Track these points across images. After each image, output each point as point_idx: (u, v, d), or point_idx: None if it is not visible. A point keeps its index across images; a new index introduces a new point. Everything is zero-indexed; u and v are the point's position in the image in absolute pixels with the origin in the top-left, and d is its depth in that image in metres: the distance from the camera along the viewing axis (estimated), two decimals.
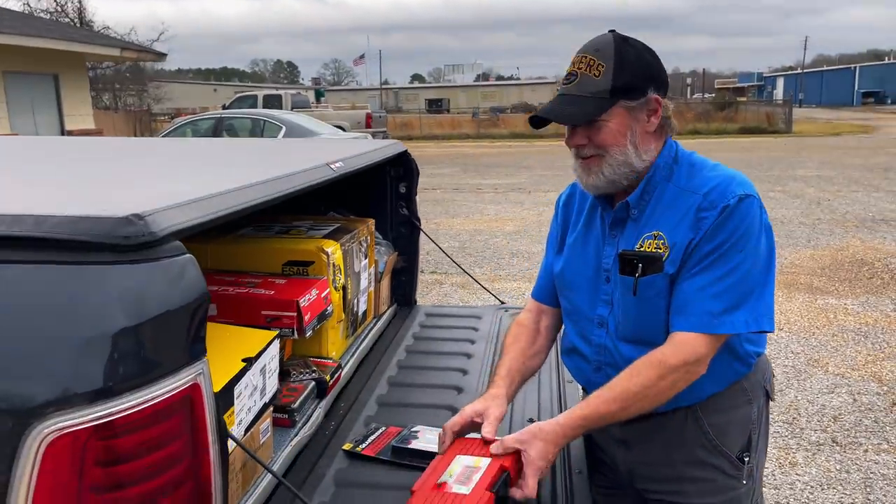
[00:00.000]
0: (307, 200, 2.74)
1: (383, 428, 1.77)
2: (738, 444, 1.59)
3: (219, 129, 13.14)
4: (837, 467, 3.37)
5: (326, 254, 2.05)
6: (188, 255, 1.02)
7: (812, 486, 3.22)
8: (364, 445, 1.69)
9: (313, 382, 1.92)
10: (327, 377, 1.96)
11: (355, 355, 2.25)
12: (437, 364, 2.21)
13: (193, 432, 1.04)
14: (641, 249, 1.50)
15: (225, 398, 1.31)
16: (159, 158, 2.15)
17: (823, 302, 5.94)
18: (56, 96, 16.46)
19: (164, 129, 16.87)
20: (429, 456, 1.59)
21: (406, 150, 2.74)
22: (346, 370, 2.13)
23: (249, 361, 1.41)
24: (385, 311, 2.72)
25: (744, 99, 46.34)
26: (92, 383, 0.92)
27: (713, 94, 50.31)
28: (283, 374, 1.94)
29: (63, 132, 16.38)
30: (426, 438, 1.67)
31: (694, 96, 64.27)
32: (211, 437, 1.06)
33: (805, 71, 76.72)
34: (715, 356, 1.48)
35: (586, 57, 1.48)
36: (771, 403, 1.71)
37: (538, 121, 1.55)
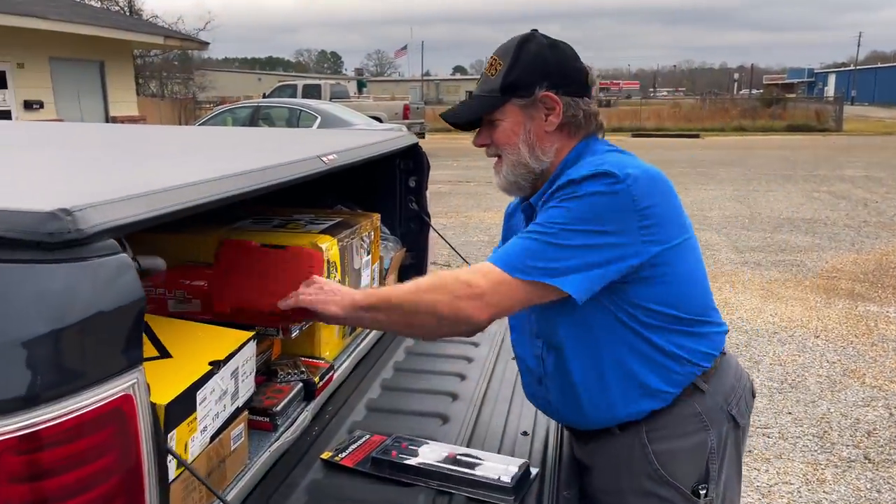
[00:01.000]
0: (314, 192, 2.67)
1: (367, 436, 1.68)
2: (690, 475, 1.46)
3: (256, 117, 13.21)
4: (868, 486, 3.19)
5: (321, 249, 1.96)
6: (123, 255, 0.95)
7: None
8: (344, 455, 1.60)
9: (301, 384, 1.84)
10: (316, 379, 1.88)
11: (352, 356, 2.17)
12: (434, 368, 2.12)
13: (126, 447, 0.96)
14: None
15: (185, 404, 1.23)
16: (138, 148, 2.08)
17: (864, 309, 5.68)
18: (101, 83, 16.76)
19: (204, 115, 17.06)
20: (408, 470, 1.50)
21: (417, 143, 2.64)
22: (340, 371, 2.05)
23: (217, 364, 1.33)
24: None
25: (792, 95, 45.05)
26: (8, 392, 0.85)
27: (761, 91, 49.03)
28: (270, 374, 1.87)
29: (107, 118, 16.68)
30: (409, 450, 1.57)
31: (741, 92, 62.76)
32: (146, 452, 0.98)
33: (858, 68, 74.31)
34: (630, 362, 1.42)
35: (492, 58, 1.49)
36: (793, 416, 1.58)
37: (455, 123, 1.55)
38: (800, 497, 3.11)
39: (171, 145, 2.16)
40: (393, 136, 2.53)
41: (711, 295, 1.53)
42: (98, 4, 30.47)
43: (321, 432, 1.72)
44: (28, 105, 14.24)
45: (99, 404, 0.92)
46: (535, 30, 1.49)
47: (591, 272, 1.32)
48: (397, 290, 1.43)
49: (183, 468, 1.23)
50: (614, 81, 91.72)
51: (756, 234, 8.52)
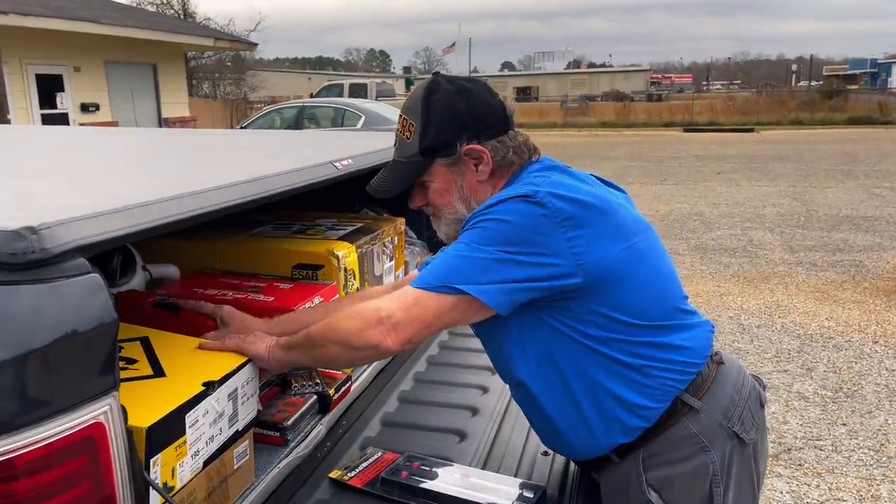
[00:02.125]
0: (343, 196, 2.62)
1: (379, 454, 1.62)
2: (691, 500, 1.35)
3: (301, 117, 13.33)
4: None
5: (337, 257, 1.91)
6: (93, 275, 0.89)
7: None
8: (353, 474, 1.54)
9: (315, 396, 1.79)
10: (332, 391, 1.82)
11: (372, 366, 2.11)
12: (456, 379, 2.04)
13: (98, 476, 0.91)
14: None
15: (172, 427, 1.18)
16: (138, 156, 2.05)
17: None
18: (154, 85, 17.17)
19: (252, 115, 17.31)
20: (417, 492, 1.43)
21: None
22: (358, 383, 1.99)
23: (211, 385, 1.28)
24: None
25: (854, 87, 43.39)
26: None
27: (820, 83, 47.37)
28: (284, 386, 1.82)
29: (160, 120, 17.08)
30: (420, 471, 1.50)
31: (799, 84, 60.78)
32: (120, 481, 0.93)
33: None
34: (600, 385, 1.33)
35: (401, 117, 1.42)
36: (847, 428, 1.45)
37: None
38: None
39: (177, 152, 2.13)
40: None
41: (682, 296, 1.43)
42: (153, 9, 31.31)
43: (332, 448, 1.67)
44: (84, 108, 14.67)
45: (69, 432, 0.87)
46: (437, 73, 1.44)
47: (511, 285, 1.25)
48: (314, 325, 1.36)
49: (172, 493, 1.18)
50: (666, 75, 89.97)
51: (812, 232, 8.18)
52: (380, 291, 1.66)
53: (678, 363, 1.35)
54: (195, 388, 1.25)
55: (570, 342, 1.32)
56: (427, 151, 1.38)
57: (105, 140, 2.50)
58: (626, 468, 1.38)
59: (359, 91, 19.99)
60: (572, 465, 1.60)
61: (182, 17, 33.53)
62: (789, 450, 3.44)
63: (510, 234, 1.25)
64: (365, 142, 2.39)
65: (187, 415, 1.22)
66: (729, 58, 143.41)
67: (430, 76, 1.43)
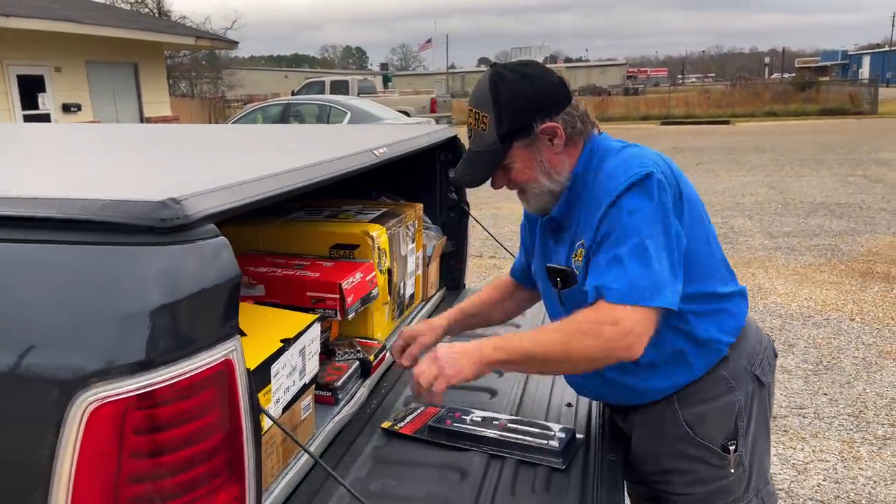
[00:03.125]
0: (359, 185, 2.80)
1: (422, 408, 1.81)
2: (720, 433, 1.58)
3: (286, 114, 13.43)
4: None
5: (372, 238, 2.09)
6: (222, 237, 1.08)
7: (875, 482, 3.10)
8: (402, 424, 1.74)
9: (357, 362, 1.98)
10: (371, 357, 2.01)
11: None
12: None
13: (227, 405, 1.10)
14: (574, 258, 1.53)
15: (261, 376, 1.37)
16: (206, 144, 2.23)
17: None
18: (136, 84, 17.12)
19: (235, 114, 17.34)
20: (463, 436, 1.63)
21: (456, 136, 2.76)
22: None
23: (287, 342, 1.47)
24: (433, 295, 2.76)
25: (826, 78, 44.20)
26: (131, 356, 0.99)
27: (793, 75, 48.16)
28: (329, 354, 2.01)
29: (142, 119, 17.05)
30: (462, 419, 1.70)
31: (772, 76, 61.70)
32: (244, 410, 1.11)
33: (893, 49, 72.51)
34: (675, 344, 1.52)
35: (472, 111, 1.53)
36: (828, 397, 1.70)
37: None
38: (835, 473, 3.17)
39: (231, 142, 2.30)
40: (433, 130, 2.65)
41: (725, 259, 1.66)
42: (128, 7, 31.05)
43: (379, 405, 1.86)
44: (66, 108, 14.62)
45: (205, 367, 1.05)
46: (494, 63, 1.55)
47: (678, 273, 1.42)
48: (534, 341, 1.45)
49: (265, 431, 1.37)
50: (641, 69, 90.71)
51: (789, 219, 8.49)
52: (497, 291, 1.91)
53: (733, 329, 1.58)
54: (275, 345, 1.44)
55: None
56: (505, 138, 1.48)
57: (168, 133, 2.67)
58: (660, 409, 1.59)
59: (340, 88, 20.08)
60: (594, 412, 1.80)
61: (157, 15, 33.28)
62: (775, 417, 3.68)
63: (660, 215, 1.39)
64: (384, 133, 2.57)
65: (272, 366, 1.41)
66: (703, 51, 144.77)
67: (487, 69, 1.55)
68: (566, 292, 1.55)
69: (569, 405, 1.84)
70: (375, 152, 1.91)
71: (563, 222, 1.57)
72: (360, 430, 1.72)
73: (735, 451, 1.59)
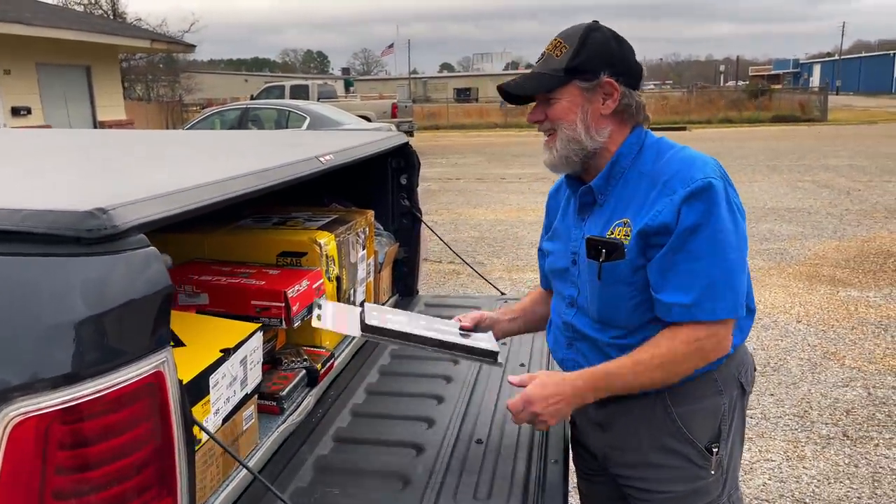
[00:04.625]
0: (312, 191, 2.79)
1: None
2: (706, 434, 1.60)
3: (244, 119, 13.28)
4: (846, 461, 3.34)
5: (319, 245, 2.08)
6: (151, 248, 1.06)
7: (819, 480, 3.19)
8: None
9: (304, 371, 1.96)
10: (318, 366, 2.00)
11: (351, 344, 2.29)
12: (430, 354, 2.23)
13: (158, 418, 1.08)
14: (612, 236, 1.53)
15: (199, 387, 1.35)
16: (149, 151, 2.20)
17: (845, 294, 5.85)
18: (88, 88, 16.75)
19: (192, 119, 17.09)
20: (403, 335, 1.77)
21: (407, 143, 2.76)
22: (340, 359, 2.17)
23: (227, 352, 1.45)
24: (386, 301, 2.76)
25: (778, 86, 45.36)
26: (55, 369, 0.97)
27: (747, 82, 49.33)
28: (275, 362, 1.99)
29: (95, 123, 16.68)
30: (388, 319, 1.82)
31: (727, 84, 63.07)
32: (176, 422, 1.10)
33: (842, 58, 74.83)
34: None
35: (557, 39, 1.57)
36: (774, 397, 1.73)
37: (509, 96, 1.63)
38: (780, 472, 3.25)
39: (177, 149, 2.27)
40: (384, 136, 2.65)
41: None
42: (81, 9, 30.39)
43: (325, 414, 1.85)
44: (15, 111, 14.23)
45: (134, 380, 1.04)
46: (597, 21, 1.58)
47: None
48: (637, 376, 1.50)
49: (199, 447, 1.35)
50: None
51: None
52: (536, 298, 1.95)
53: (733, 346, 1.60)
54: (215, 355, 1.42)
55: None
56: (571, 70, 1.51)
57: (111, 140, 2.62)
58: (648, 401, 1.59)
59: (300, 93, 19.91)
60: None
61: (112, 17, 32.63)
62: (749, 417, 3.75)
63: (731, 221, 1.46)
64: (335, 139, 2.57)
65: (210, 377, 1.39)
66: (661, 59, 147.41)
67: (589, 22, 1.58)
68: (608, 265, 1.53)
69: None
70: (321, 159, 1.90)
71: (598, 198, 1.58)
72: (305, 439, 1.71)
73: (717, 453, 1.62)
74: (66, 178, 1.43)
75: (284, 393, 1.83)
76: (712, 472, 1.60)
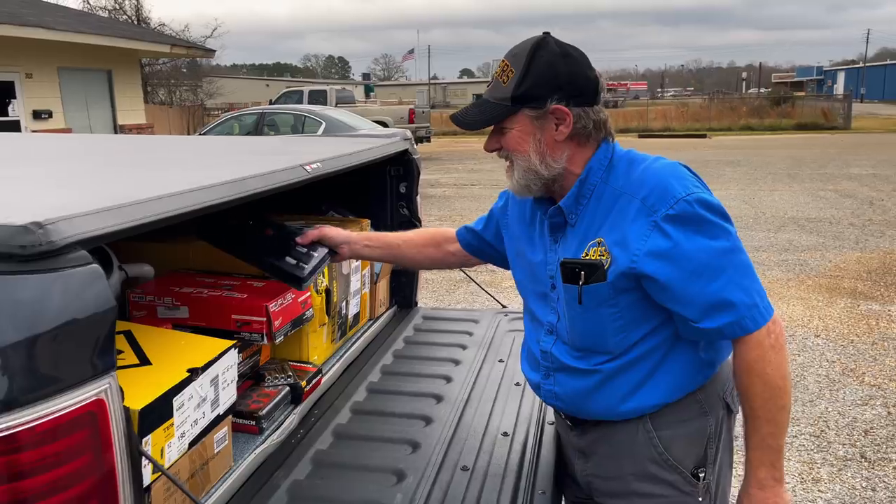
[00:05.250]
0: (311, 199, 2.71)
1: None
2: (691, 458, 1.51)
3: (261, 124, 13.29)
4: (864, 484, 3.20)
5: None
6: (94, 265, 0.98)
7: None
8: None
9: (287, 388, 1.88)
10: (304, 383, 1.92)
11: (342, 359, 2.21)
12: (421, 371, 2.15)
13: (99, 450, 1.00)
14: (587, 257, 1.44)
15: (161, 410, 1.27)
16: (121, 159, 2.13)
17: (866, 308, 5.67)
18: (109, 92, 16.90)
19: (209, 123, 17.17)
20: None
21: (407, 149, 2.68)
22: (329, 375, 2.09)
23: (195, 372, 1.37)
24: (383, 314, 2.67)
25: (801, 94, 44.81)
26: None
27: (769, 89, 48.79)
28: (258, 379, 1.91)
29: (115, 127, 16.82)
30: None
31: (749, 91, 62.46)
32: (119, 455, 1.02)
33: (867, 65, 73.81)
34: (673, 365, 1.47)
35: (503, 62, 1.47)
36: (792, 415, 1.63)
37: (464, 124, 1.54)
38: (794, 496, 3.12)
39: (153, 157, 2.20)
40: (382, 143, 2.57)
41: None
42: (106, 14, 30.76)
43: (306, 434, 1.76)
44: (37, 115, 14.37)
45: (72, 408, 0.96)
46: (548, 33, 1.48)
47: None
48: (779, 426, 1.44)
49: (160, 473, 1.27)
50: (622, 82, 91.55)
51: (759, 233, 8.50)
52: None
53: (713, 364, 1.53)
54: (181, 375, 1.34)
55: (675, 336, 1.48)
56: (518, 99, 1.43)
57: (84, 146, 2.56)
58: (630, 427, 1.51)
59: (319, 98, 19.94)
60: (530, 442, 1.72)
61: (136, 23, 33.00)
62: (736, 437, 3.62)
63: (730, 227, 1.41)
64: (329, 146, 2.49)
65: (175, 398, 1.31)
66: (682, 65, 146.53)
67: (539, 35, 1.49)
68: (589, 288, 1.44)
69: (505, 434, 1.76)
70: (307, 167, 1.82)
71: (569, 218, 1.50)
72: (281, 462, 1.62)
73: (704, 478, 1.53)
74: (16, 189, 1.36)
75: (264, 412, 1.76)
76: (700, 499, 1.51)
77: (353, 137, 2.81)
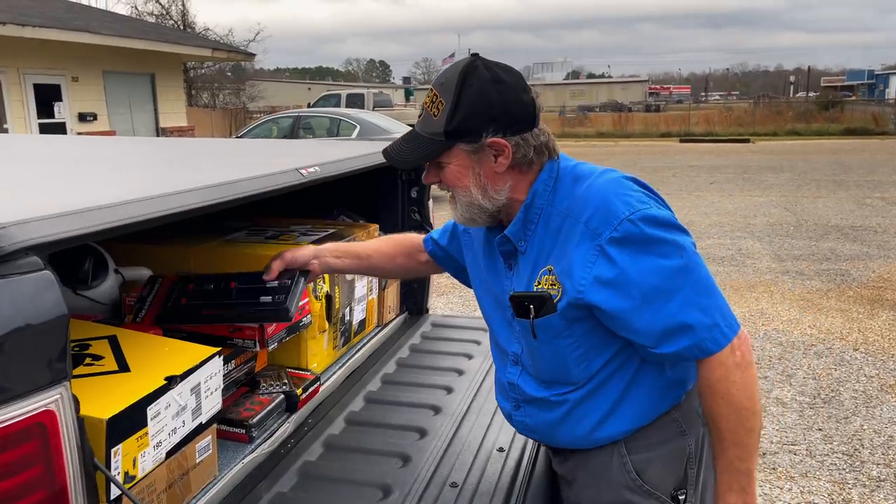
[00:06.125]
0: (325, 202, 2.69)
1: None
2: (670, 480, 1.44)
3: (296, 126, 13.41)
4: None
5: None
6: (45, 271, 0.95)
7: None
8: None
9: (282, 396, 1.85)
10: (299, 391, 1.88)
11: (344, 367, 2.17)
12: (423, 381, 2.10)
13: (48, 463, 0.97)
14: (538, 286, 1.37)
15: (133, 418, 1.24)
16: (101, 162, 2.11)
17: None
18: (152, 95, 17.26)
19: (247, 125, 17.39)
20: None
21: None
22: (329, 383, 2.05)
23: (172, 380, 1.34)
24: (392, 320, 2.63)
25: (851, 98, 43.57)
26: None
27: (817, 93, 47.57)
28: (254, 385, 1.88)
29: (157, 129, 17.17)
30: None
31: (797, 95, 61.00)
32: (71, 469, 0.99)
33: None
34: (641, 387, 1.40)
35: (432, 91, 1.38)
36: (823, 433, 1.53)
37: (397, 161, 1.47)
38: None
39: (141, 159, 2.20)
40: None
41: None
42: (152, 20, 31.48)
43: (296, 444, 1.72)
44: (82, 117, 14.74)
45: (19, 419, 0.93)
46: (476, 55, 1.39)
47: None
48: (754, 436, 1.36)
49: (133, 483, 1.24)
50: (664, 86, 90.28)
51: (800, 241, 8.25)
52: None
53: (685, 382, 1.46)
54: (157, 382, 1.31)
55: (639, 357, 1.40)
56: (451, 134, 1.35)
57: (79, 148, 2.57)
58: (605, 453, 1.44)
59: (356, 101, 20.08)
60: (525, 458, 1.65)
61: (181, 28, 33.68)
62: (764, 454, 3.49)
63: (686, 244, 1.33)
64: (337, 150, 2.45)
65: (149, 407, 1.28)
66: (727, 69, 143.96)
67: (469, 56, 1.39)
68: (540, 322, 1.37)
69: (500, 450, 1.70)
70: (303, 171, 1.78)
71: (519, 245, 1.42)
72: (267, 472, 1.59)
73: (685, 500, 1.46)
74: None
75: (255, 420, 1.72)
76: None
77: (361, 142, 2.77)
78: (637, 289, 1.27)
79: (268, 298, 1.65)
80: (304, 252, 1.74)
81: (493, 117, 1.34)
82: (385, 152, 1.45)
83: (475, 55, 1.39)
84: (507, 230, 1.42)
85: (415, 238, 1.82)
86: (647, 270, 1.27)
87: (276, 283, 1.68)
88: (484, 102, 1.33)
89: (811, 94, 55.14)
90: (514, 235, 1.41)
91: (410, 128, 1.48)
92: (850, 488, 3.20)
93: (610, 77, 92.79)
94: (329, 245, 1.80)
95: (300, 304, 1.70)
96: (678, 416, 1.45)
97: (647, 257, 1.28)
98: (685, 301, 1.28)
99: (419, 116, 1.42)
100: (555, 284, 1.34)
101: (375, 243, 1.86)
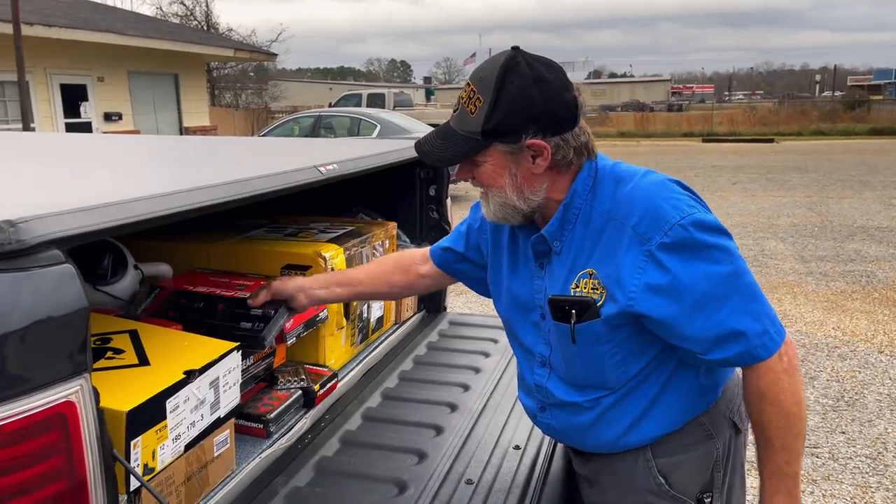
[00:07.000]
0: (341, 200, 2.71)
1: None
2: (695, 485, 1.42)
3: (317, 126, 13.48)
4: None
5: (324, 258, 1.98)
6: (66, 265, 0.97)
7: None
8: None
9: (300, 392, 1.86)
10: (317, 387, 1.90)
11: (362, 364, 2.18)
12: (440, 378, 2.10)
13: (68, 453, 0.99)
14: (576, 290, 1.34)
15: (152, 411, 1.26)
16: (121, 159, 2.14)
17: None
18: (176, 94, 17.46)
19: (270, 124, 17.53)
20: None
21: None
22: (346, 379, 2.06)
23: (191, 374, 1.36)
24: (409, 318, 2.63)
25: (879, 97, 42.86)
26: None
27: (843, 93, 46.89)
28: (272, 381, 1.90)
29: (181, 129, 17.36)
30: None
31: (823, 94, 60.16)
32: (90, 459, 1.00)
33: None
34: (673, 392, 1.38)
35: (469, 86, 1.32)
36: (846, 436, 1.52)
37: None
38: None
39: (159, 157, 2.22)
40: (409, 146, 2.53)
41: None
42: (177, 21, 31.83)
43: (313, 440, 1.73)
44: (108, 117, 14.95)
45: (41, 409, 0.95)
46: (517, 49, 1.32)
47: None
48: (796, 452, 1.35)
49: (152, 475, 1.26)
50: (687, 85, 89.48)
51: (825, 242, 8.13)
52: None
53: (715, 387, 1.45)
54: (176, 376, 1.33)
55: (678, 362, 1.39)
56: (489, 134, 1.29)
57: (97, 146, 2.61)
58: (631, 455, 1.43)
59: (377, 101, 20.14)
60: (541, 456, 1.65)
61: (205, 28, 34.01)
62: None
63: (735, 250, 1.31)
64: (355, 148, 2.47)
65: (168, 401, 1.30)
66: (752, 68, 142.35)
67: (509, 50, 1.32)
68: (582, 327, 1.33)
69: (516, 447, 1.70)
70: (321, 169, 1.79)
71: (554, 245, 1.38)
72: (284, 467, 1.60)
73: (710, 503, 1.45)
74: (7, 188, 1.37)
75: (273, 415, 1.74)
76: None
77: (380, 141, 2.78)
78: (689, 295, 1.25)
79: (248, 325, 1.69)
80: (291, 285, 1.70)
81: (534, 118, 1.28)
82: (419, 149, 1.39)
83: (515, 48, 1.32)
84: (544, 230, 1.39)
85: (412, 252, 1.79)
86: (698, 276, 1.25)
87: (260, 312, 1.70)
88: (524, 102, 1.27)
89: (837, 93, 54.35)
90: (551, 235, 1.38)
91: (431, 128, 1.44)
92: (872, 492, 3.15)
93: (632, 76, 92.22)
94: (318, 276, 1.77)
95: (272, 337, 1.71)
96: (706, 420, 1.44)
97: (698, 263, 1.25)
98: (736, 307, 1.26)
99: (454, 111, 1.36)
100: (597, 289, 1.32)
101: (366, 267, 1.83)
